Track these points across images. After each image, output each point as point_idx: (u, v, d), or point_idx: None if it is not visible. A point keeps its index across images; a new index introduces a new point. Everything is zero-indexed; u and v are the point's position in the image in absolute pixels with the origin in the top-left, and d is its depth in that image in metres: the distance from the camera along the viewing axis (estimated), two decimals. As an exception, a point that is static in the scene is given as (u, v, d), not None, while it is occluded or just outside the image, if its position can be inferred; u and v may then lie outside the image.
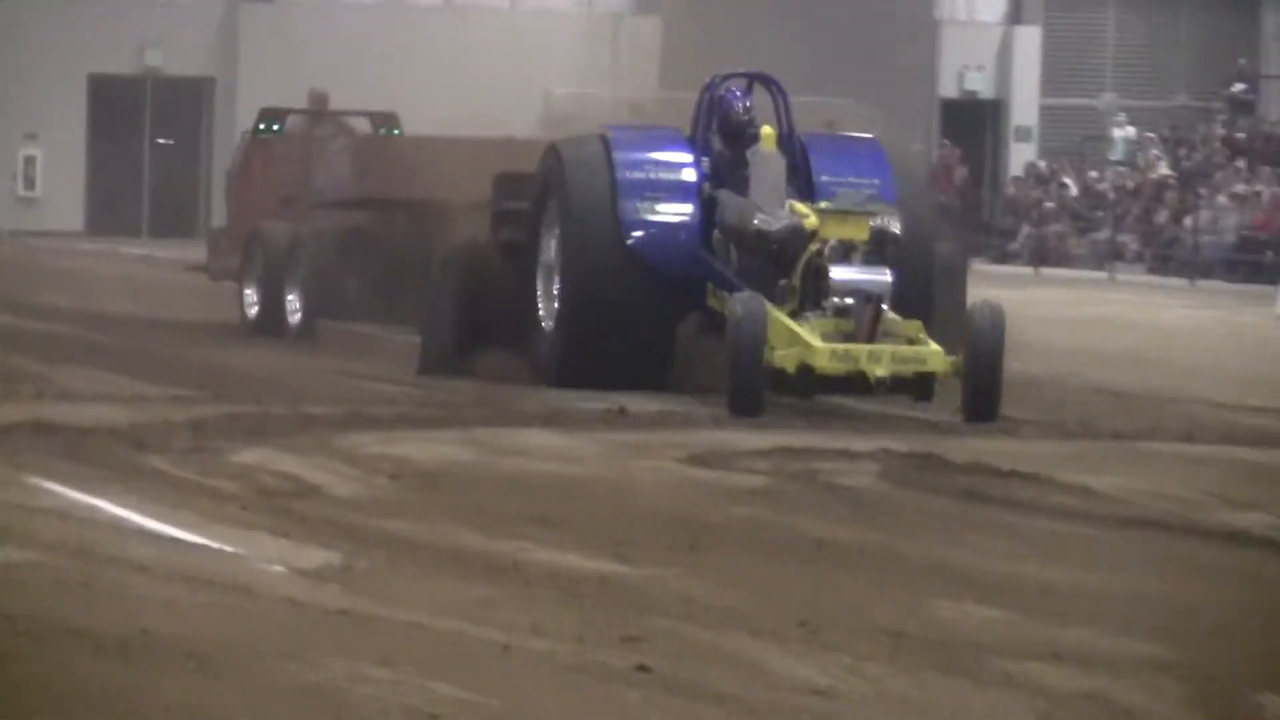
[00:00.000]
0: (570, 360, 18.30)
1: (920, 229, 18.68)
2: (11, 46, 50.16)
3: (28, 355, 23.16)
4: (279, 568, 12.27)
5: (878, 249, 17.12)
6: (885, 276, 17.16)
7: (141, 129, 52.59)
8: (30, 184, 51.35)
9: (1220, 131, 55.78)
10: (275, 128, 26.62)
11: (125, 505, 14.09)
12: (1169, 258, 51.71)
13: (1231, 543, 13.80)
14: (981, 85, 59.37)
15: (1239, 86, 57.60)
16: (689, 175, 18.01)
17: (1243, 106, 57.64)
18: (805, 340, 16.68)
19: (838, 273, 16.90)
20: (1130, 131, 57.06)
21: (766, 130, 18.12)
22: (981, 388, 17.06)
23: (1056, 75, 59.86)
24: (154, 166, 52.78)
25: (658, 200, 17.81)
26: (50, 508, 14.05)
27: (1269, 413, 21.65)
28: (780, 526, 14.45)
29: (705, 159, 18.12)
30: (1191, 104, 58.91)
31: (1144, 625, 11.25)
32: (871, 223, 17.14)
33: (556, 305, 18.37)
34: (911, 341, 17.06)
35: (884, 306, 16.85)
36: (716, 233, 17.87)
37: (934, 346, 16.82)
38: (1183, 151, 55.84)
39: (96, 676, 9.63)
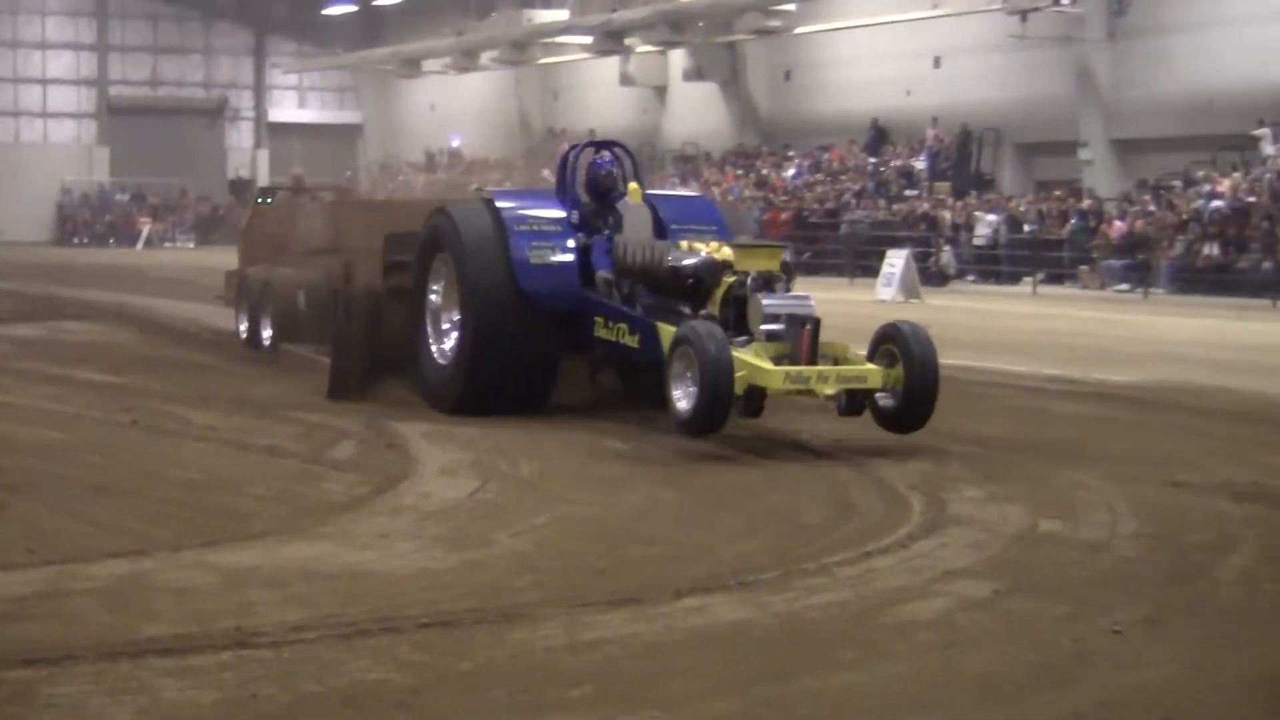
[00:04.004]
0: (470, 391, 11.41)
1: None
2: None
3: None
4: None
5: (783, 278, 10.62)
6: (811, 301, 10.31)
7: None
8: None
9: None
10: (269, 200, 19.76)
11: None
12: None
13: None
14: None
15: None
16: (566, 226, 11.59)
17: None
18: (757, 365, 9.79)
19: (769, 301, 10.23)
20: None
21: (634, 186, 11.87)
22: (919, 401, 9.99)
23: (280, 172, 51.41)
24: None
25: (543, 248, 11.42)
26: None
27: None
28: (211, 362, 14.82)
29: (575, 212, 11.75)
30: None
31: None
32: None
33: (456, 343, 11.65)
34: (840, 361, 10.14)
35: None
36: (602, 273, 11.46)
37: (870, 365, 10.06)
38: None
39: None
